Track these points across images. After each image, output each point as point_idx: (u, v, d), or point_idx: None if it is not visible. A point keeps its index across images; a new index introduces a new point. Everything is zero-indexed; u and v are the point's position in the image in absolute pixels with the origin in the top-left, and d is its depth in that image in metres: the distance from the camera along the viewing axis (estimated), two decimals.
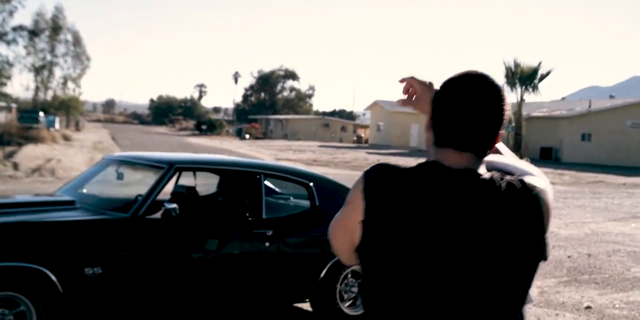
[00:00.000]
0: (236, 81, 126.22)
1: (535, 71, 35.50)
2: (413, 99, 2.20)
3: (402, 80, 2.21)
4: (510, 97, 42.77)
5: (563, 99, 69.78)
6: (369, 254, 1.84)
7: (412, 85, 2.19)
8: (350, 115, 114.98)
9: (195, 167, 6.01)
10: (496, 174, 1.83)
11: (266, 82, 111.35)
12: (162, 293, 5.25)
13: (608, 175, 36.25)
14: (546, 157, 47.96)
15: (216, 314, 6.08)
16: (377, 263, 1.82)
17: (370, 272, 1.86)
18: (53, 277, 4.74)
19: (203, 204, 6.32)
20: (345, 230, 1.91)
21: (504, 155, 2.12)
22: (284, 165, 6.49)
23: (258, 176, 5.92)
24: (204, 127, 75.21)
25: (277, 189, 6.94)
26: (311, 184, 6.01)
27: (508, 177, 1.82)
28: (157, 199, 5.41)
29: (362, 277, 1.93)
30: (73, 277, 4.85)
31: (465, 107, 1.82)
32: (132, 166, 6.27)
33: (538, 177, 1.91)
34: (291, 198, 6.78)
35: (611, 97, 60.91)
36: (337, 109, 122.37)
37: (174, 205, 5.25)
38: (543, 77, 36.17)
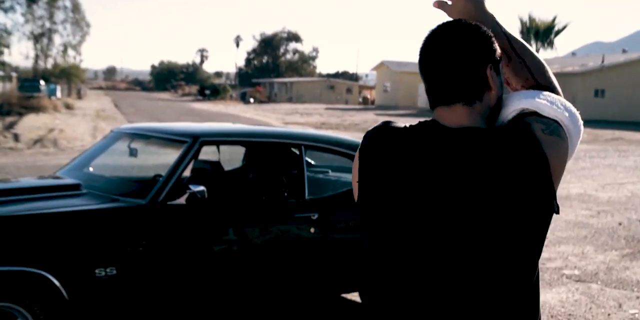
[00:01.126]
0: (238, 45, 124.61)
1: (551, 26, 34.21)
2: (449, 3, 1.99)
3: None
4: None
5: (574, 54, 68.39)
6: (364, 215, 1.79)
7: None
8: (353, 77, 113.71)
9: (224, 140, 4.97)
10: (497, 126, 1.78)
11: (269, 45, 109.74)
12: (189, 294, 4.32)
13: (625, 131, 35.51)
14: None
15: (252, 312, 5.20)
16: (372, 224, 1.78)
17: (368, 233, 1.81)
18: (56, 282, 3.83)
19: (232, 184, 5.38)
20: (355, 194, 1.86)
21: (524, 94, 1.88)
22: (328, 135, 5.46)
23: (298, 149, 4.98)
24: (207, 92, 74.22)
25: (311, 162, 6.00)
26: None
27: (510, 125, 1.75)
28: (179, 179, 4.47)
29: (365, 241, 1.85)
30: (81, 280, 3.93)
31: (429, 60, 1.78)
32: (146, 140, 5.26)
33: (553, 109, 1.79)
34: (329, 171, 5.83)
35: (624, 51, 59.45)
36: (340, 71, 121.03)
37: (201, 188, 4.30)
38: (559, 32, 34.94)
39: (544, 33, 34.35)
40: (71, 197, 4.39)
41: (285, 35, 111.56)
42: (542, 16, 33.12)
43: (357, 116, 44.05)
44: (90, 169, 5.37)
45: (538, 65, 1.95)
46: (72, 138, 21.36)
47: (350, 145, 5.14)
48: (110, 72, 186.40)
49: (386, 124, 1.83)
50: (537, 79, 1.94)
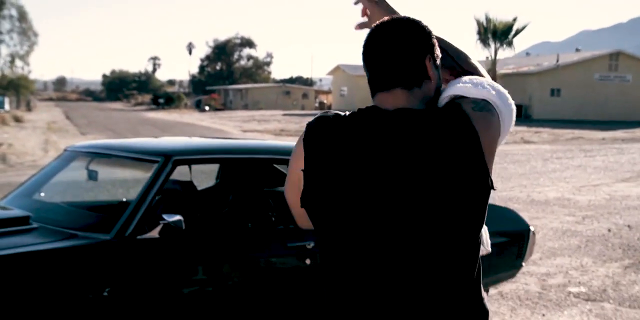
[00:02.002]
0: (190, 52, 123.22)
1: (510, 26, 34.00)
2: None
3: (355, 3, 2.25)
4: (484, 54, 41.37)
5: (528, 54, 68.79)
6: (311, 201, 1.85)
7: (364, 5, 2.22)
8: (308, 82, 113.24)
9: (200, 158, 4.16)
10: (430, 107, 1.86)
11: (222, 51, 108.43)
12: None
13: (583, 130, 35.63)
14: (516, 115, 46.74)
15: None
16: (319, 209, 1.84)
17: (314, 219, 1.88)
18: None
19: (209, 208, 4.66)
20: (293, 183, 1.95)
21: (460, 79, 1.99)
22: None
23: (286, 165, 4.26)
24: (161, 100, 73.03)
25: None
26: None
27: (442, 106, 1.86)
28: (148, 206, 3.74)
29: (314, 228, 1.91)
30: None
31: (372, 50, 1.89)
32: (108, 160, 4.52)
33: (479, 89, 1.91)
34: None
35: (577, 50, 59.97)
36: (295, 76, 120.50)
37: (177, 217, 3.56)
38: (518, 32, 34.75)
39: (503, 33, 34.11)
40: (18, 235, 3.59)
41: (238, 41, 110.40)
42: (499, 16, 32.98)
43: None
44: (42, 194, 4.60)
45: (458, 53, 2.10)
46: (21, 153, 20.29)
47: None
48: (61, 82, 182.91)
49: (325, 113, 1.91)
50: (462, 66, 2.09)
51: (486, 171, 1.76)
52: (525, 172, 16.48)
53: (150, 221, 3.64)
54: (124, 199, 4.94)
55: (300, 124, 40.64)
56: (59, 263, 3.37)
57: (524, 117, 47.17)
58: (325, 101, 77.14)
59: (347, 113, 1.88)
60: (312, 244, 3.99)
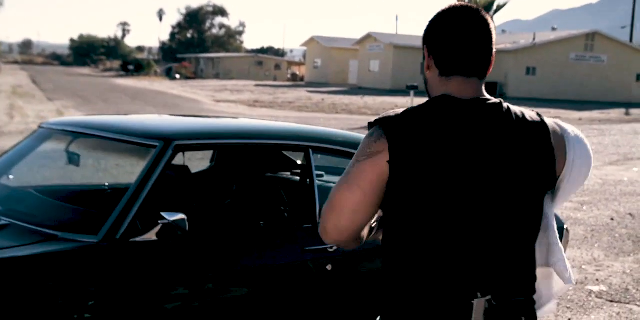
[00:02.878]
0: (161, 19, 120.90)
1: (491, 2, 33.40)
2: None
3: None
4: None
5: (503, 31, 68.29)
6: (399, 191, 1.84)
7: None
8: (279, 53, 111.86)
9: (206, 143, 3.47)
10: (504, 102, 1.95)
11: (194, 19, 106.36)
12: None
13: (559, 110, 35.37)
14: (491, 92, 43.34)
15: None
16: (408, 197, 1.84)
17: (402, 210, 1.87)
18: None
19: (209, 198, 3.99)
20: (360, 186, 1.85)
21: None
22: (340, 133, 4.07)
23: (304, 152, 3.62)
24: (130, 67, 71.44)
25: (298, 162, 4.67)
26: None
27: (524, 109, 1.98)
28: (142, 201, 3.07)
29: (390, 223, 1.92)
30: None
31: (468, 33, 1.90)
32: (92, 142, 3.80)
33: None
34: (324, 175, 4.52)
35: (553, 29, 59.61)
36: (266, 47, 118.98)
37: (180, 216, 2.88)
38: (500, 7, 34.17)
39: (485, 8, 33.51)
40: None
41: (211, 9, 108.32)
42: None
43: (289, 93, 42.76)
44: (10, 177, 3.89)
45: None
46: None
47: None
48: (27, 45, 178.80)
49: (391, 112, 1.91)
50: None
51: (554, 171, 1.95)
52: None
53: (146, 219, 2.97)
54: (107, 185, 4.22)
55: (273, 95, 39.83)
56: (33, 274, 2.71)
57: (497, 95, 46.78)
58: (297, 72, 76.20)
59: (416, 106, 1.90)
60: (334, 247, 3.36)
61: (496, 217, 1.85)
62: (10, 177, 3.92)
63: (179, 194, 3.69)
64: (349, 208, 1.84)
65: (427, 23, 1.98)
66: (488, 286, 1.86)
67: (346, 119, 25.14)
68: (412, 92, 31.79)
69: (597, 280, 6.17)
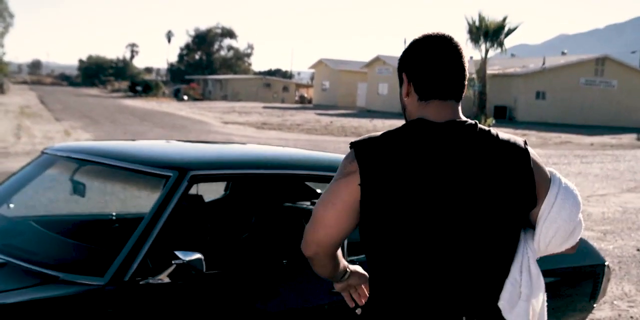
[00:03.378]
0: (169, 40, 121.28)
1: (501, 26, 33.10)
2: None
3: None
4: (474, 54, 40.43)
5: (513, 55, 68.14)
6: (371, 215, 1.91)
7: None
8: (287, 75, 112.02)
9: (226, 174, 3.15)
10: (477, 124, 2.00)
11: (203, 40, 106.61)
12: None
13: (569, 134, 35.08)
14: (500, 116, 46.04)
15: None
16: (381, 221, 1.90)
17: (375, 227, 1.92)
18: None
19: (224, 231, 3.66)
20: (335, 204, 1.94)
21: None
22: None
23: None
24: (138, 88, 71.53)
25: (318, 191, 4.34)
26: None
27: (502, 133, 2.02)
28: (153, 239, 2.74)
29: (365, 243, 1.98)
30: None
31: (444, 59, 2.00)
32: (98, 170, 3.48)
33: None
34: None
35: (563, 53, 59.48)
36: (273, 69, 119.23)
37: (196, 255, 2.58)
38: (510, 31, 33.89)
39: (494, 33, 33.28)
40: None
41: (219, 31, 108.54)
42: (491, 16, 31.99)
43: (297, 116, 42.56)
44: (11, 206, 3.58)
45: None
46: None
47: None
48: (36, 66, 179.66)
49: (371, 135, 1.98)
50: None
51: (534, 193, 1.97)
52: None
53: (158, 258, 2.66)
54: (114, 215, 3.89)
55: (282, 117, 39.64)
56: None
57: (507, 119, 46.52)
58: (305, 95, 76.14)
59: (391, 130, 1.97)
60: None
61: (471, 240, 1.89)
62: (10, 206, 3.62)
63: (192, 228, 3.38)
64: (324, 223, 1.96)
65: (402, 55, 2.06)
66: (473, 310, 1.92)
67: None
68: None
69: (631, 318, 5.81)
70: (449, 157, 1.87)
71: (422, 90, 1.99)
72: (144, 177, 3.11)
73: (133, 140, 3.95)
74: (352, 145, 1.95)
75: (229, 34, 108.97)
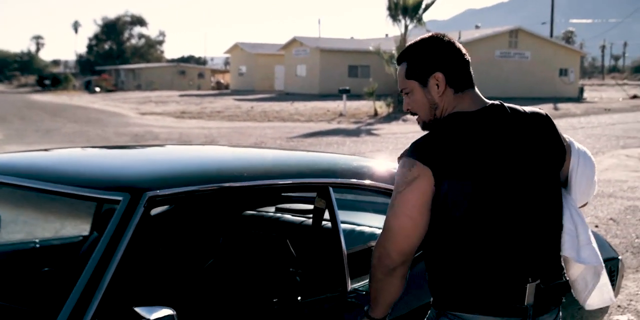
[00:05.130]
0: (76, 31, 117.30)
1: (419, 2, 32.84)
2: None
3: None
4: (394, 31, 40.05)
5: (428, 31, 68.30)
6: (455, 199, 2.09)
7: None
8: (200, 61, 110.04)
9: (192, 191, 2.30)
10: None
11: (112, 29, 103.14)
12: None
13: None
14: None
15: None
16: (467, 203, 2.09)
17: (459, 215, 2.10)
18: None
19: (189, 262, 2.89)
20: (415, 213, 2.10)
21: None
22: (362, 163, 3.01)
23: (322, 192, 2.61)
24: (47, 82, 68.67)
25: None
26: None
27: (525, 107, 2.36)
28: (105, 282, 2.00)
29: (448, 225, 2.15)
30: None
31: (462, 53, 2.31)
32: (21, 195, 2.60)
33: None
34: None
35: (477, 27, 59.99)
36: (186, 56, 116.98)
37: (165, 311, 1.87)
38: (427, 7, 33.67)
39: (413, 9, 32.98)
40: None
41: (128, 19, 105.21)
42: None
43: (216, 102, 41.52)
44: None
45: None
46: None
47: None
48: None
49: (425, 140, 2.17)
50: None
51: (564, 152, 2.30)
52: None
53: (112, 314, 1.93)
54: (38, 244, 3.02)
55: (200, 105, 38.50)
56: None
57: None
58: (222, 80, 74.76)
59: (439, 130, 2.20)
60: None
61: (537, 207, 2.17)
62: None
63: (152, 264, 2.63)
64: (403, 234, 2.11)
65: (422, 60, 2.26)
66: (536, 272, 2.15)
67: (281, 126, 24.12)
68: (344, 96, 31.14)
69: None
70: (504, 136, 2.15)
71: (457, 83, 2.25)
72: (81, 204, 2.34)
73: (60, 148, 2.99)
74: (408, 154, 2.12)
75: (139, 21, 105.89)
